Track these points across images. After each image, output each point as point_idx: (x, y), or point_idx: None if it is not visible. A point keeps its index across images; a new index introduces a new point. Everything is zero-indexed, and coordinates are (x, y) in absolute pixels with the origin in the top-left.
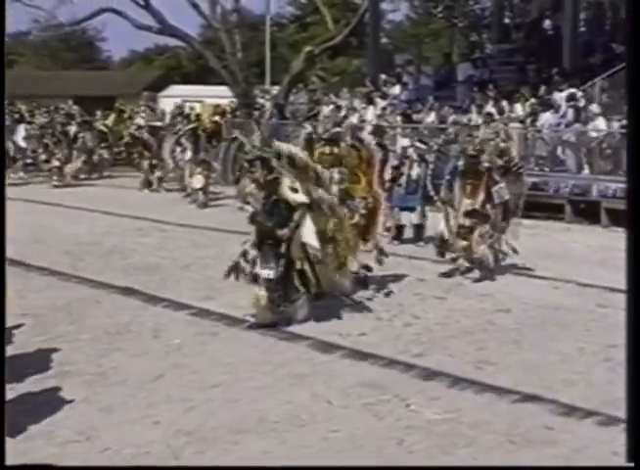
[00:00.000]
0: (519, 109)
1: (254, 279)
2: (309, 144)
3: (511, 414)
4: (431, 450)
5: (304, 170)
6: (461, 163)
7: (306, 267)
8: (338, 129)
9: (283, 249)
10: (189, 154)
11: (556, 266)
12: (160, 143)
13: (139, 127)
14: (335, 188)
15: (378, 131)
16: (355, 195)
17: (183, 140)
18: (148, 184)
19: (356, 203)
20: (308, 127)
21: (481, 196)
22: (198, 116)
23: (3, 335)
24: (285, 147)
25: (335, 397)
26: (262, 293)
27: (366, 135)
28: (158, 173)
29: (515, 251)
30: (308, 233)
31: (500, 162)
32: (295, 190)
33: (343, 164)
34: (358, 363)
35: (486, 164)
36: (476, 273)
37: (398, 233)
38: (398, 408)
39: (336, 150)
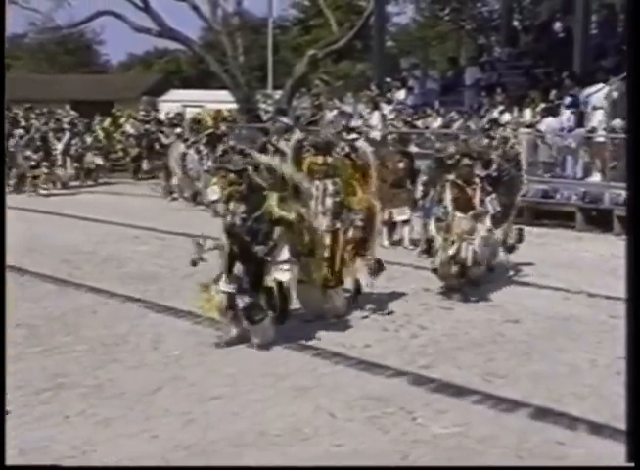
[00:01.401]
0: (528, 114)
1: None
2: (298, 153)
3: (520, 428)
4: (437, 465)
5: (283, 184)
6: (451, 176)
7: (274, 286)
8: (329, 136)
9: (253, 266)
10: (208, 162)
11: (566, 276)
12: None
13: (128, 136)
14: (329, 201)
15: (403, 139)
16: (352, 207)
17: (201, 147)
18: (169, 192)
19: (352, 216)
20: (298, 134)
21: (476, 204)
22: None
23: (4, 337)
24: (264, 159)
25: (338, 409)
26: (227, 307)
27: (361, 142)
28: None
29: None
30: (284, 252)
31: (488, 171)
32: (282, 206)
33: (337, 174)
34: (363, 375)
35: (482, 174)
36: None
37: (428, 247)
38: (404, 422)
39: (328, 159)
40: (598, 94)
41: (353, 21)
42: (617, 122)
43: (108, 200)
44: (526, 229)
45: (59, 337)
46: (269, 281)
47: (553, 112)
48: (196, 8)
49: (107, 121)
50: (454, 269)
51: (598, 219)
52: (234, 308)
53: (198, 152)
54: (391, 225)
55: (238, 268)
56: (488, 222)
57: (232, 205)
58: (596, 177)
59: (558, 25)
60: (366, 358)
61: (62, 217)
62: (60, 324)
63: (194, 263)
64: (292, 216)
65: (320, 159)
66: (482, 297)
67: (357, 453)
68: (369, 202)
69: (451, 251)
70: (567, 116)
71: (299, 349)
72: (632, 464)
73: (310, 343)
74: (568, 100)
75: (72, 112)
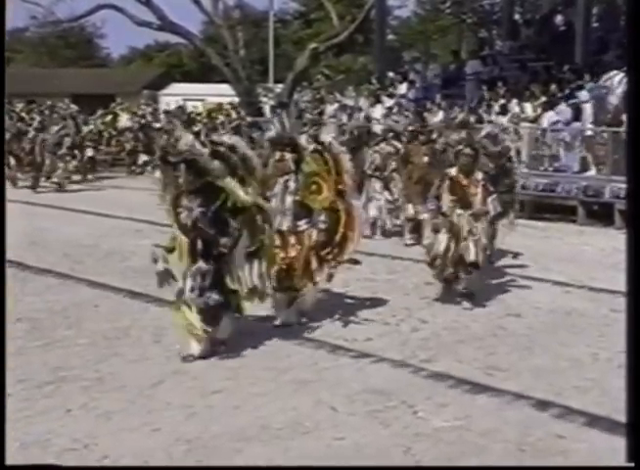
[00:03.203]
0: (528, 107)
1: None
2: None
3: (522, 422)
4: (439, 459)
5: (251, 175)
6: (453, 170)
7: (237, 287)
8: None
9: (216, 263)
10: None
11: (568, 270)
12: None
13: (124, 130)
14: (289, 199)
15: (426, 132)
16: (314, 207)
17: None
18: None
19: (315, 217)
20: (272, 130)
21: (477, 203)
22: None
23: (4, 335)
24: (243, 145)
25: (340, 403)
26: (196, 319)
27: (328, 137)
28: None
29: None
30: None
31: (491, 170)
32: (243, 190)
33: (300, 170)
34: (364, 369)
35: (483, 171)
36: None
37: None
38: (405, 415)
39: (288, 156)
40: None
41: (354, 14)
42: None
43: (109, 194)
44: (528, 223)
45: (61, 331)
46: (233, 283)
47: (553, 105)
48: (197, 1)
49: (109, 117)
50: (450, 269)
51: (599, 213)
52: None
53: None
54: (417, 223)
55: (199, 267)
56: (484, 224)
57: (185, 200)
58: (592, 171)
59: (559, 19)
60: (367, 352)
61: (63, 211)
62: (61, 318)
63: (161, 284)
64: (251, 198)
65: (278, 155)
66: (484, 290)
67: (359, 447)
68: (335, 202)
69: (442, 247)
70: (563, 109)
71: (300, 342)
72: (632, 464)
73: (311, 337)
74: (567, 93)
75: (73, 105)
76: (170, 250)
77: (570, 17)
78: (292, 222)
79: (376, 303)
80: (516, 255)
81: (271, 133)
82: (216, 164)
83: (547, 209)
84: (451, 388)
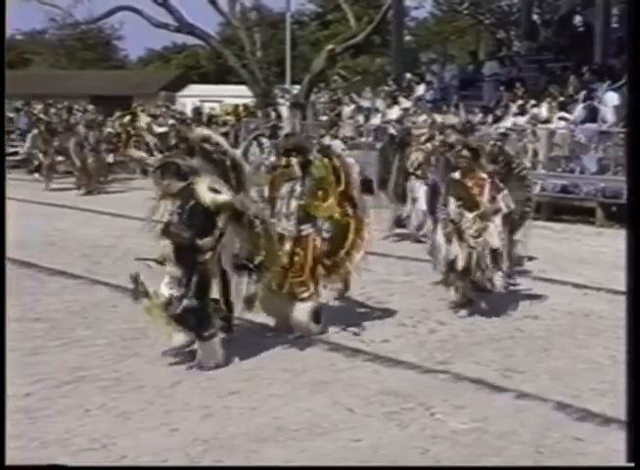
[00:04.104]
0: (546, 109)
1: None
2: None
3: (539, 424)
4: (456, 461)
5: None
6: (457, 173)
7: (221, 294)
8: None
9: (199, 269)
10: (270, 157)
11: (586, 272)
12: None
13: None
14: (294, 203)
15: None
16: (317, 214)
17: (263, 140)
18: None
19: (319, 223)
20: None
21: (485, 203)
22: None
23: (4, 335)
24: (233, 151)
25: (356, 405)
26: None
27: (335, 143)
28: None
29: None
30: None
31: (496, 167)
32: (215, 190)
33: (310, 174)
34: (381, 370)
35: (489, 168)
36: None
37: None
38: (423, 417)
39: (294, 160)
40: None
41: (372, 15)
42: None
43: (127, 195)
44: (546, 224)
45: (79, 331)
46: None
47: (571, 107)
48: (214, 3)
49: (127, 118)
50: (458, 279)
51: (618, 215)
52: (181, 315)
53: (259, 145)
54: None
55: (179, 272)
56: (499, 222)
57: (169, 203)
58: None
59: (578, 19)
60: (384, 354)
61: (81, 212)
62: (80, 318)
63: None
64: (222, 198)
65: (284, 160)
66: (501, 292)
67: (376, 449)
68: (344, 209)
69: (452, 256)
70: (580, 110)
71: (317, 344)
72: (632, 464)
73: (327, 338)
74: (583, 94)
75: (90, 106)
76: (160, 261)
77: (589, 17)
78: (295, 227)
79: (393, 304)
80: (530, 259)
81: (281, 141)
82: (195, 162)
83: (565, 210)
84: (468, 390)
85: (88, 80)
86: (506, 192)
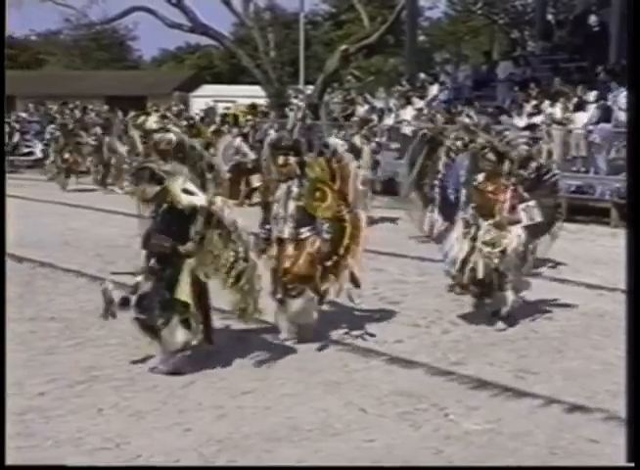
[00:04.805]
0: (561, 109)
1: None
2: (274, 154)
3: (553, 425)
4: (469, 462)
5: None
6: (480, 176)
7: (193, 312)
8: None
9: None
10: None
11: (601, 272)
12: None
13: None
14: (292, 204)
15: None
16: (318, 214)
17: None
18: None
19: (318, 224)
20: (272, 133)
21: (504, 212)
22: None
23: (4, 335)
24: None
25: (369, 405)
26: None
27: (334, 141)
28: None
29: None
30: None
31: (524, 173)
32: (189, 192)
33: (306, 174)
34: (394, 371)
35: (512, 179)
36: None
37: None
38: (436, 418)
39: (292, 159)
40: None
41: (385, 15)
42: None
43: None
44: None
45: (93, 330)
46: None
47: (585, 107)
48: (227, 3)
49: (141, 118)
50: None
51: None
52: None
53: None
54: None
55: (138, 283)
56: (519, 232)
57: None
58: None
59: (593, 19)
60: (397, 354)
61: (95, 211)
62: (94, 318)
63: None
64: (198, 200)
65: (282, 159)
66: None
67: (389, 449)
68: (340, 212)
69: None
70: (594, 110)
71: (330, 344)
72: (632, 464)
73: (341, 338)
74: (596, 94)
75: (105, 107)
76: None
77: (604, 17)
78: (293, 229)
79: (406, 305)
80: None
81: (278, 139)
82: (170, 167)
83: (580, 211)
84: (482, 391)
85: (102, 81)
86: (532, 203)
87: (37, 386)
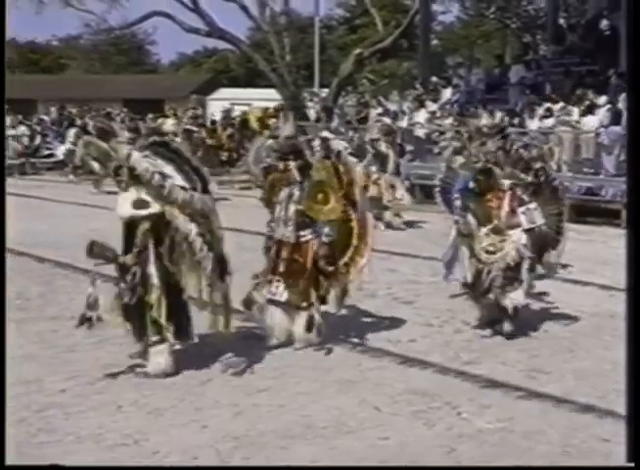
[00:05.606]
0: (572, 112)
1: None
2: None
3: (565, 425)
4: (482, 461)
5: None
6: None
7: (158, 312)
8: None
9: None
10: None
11: (611, 273)
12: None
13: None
14: (292, 208)
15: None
16: (318, 218)
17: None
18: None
19: (319, 228)
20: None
21: (502, 217)
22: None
23: (4, 335)
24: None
25: (383, 403)
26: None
27: (337, 144)
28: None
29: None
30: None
31: (528, 177)
32: (143, 202)
33: (309, 177)
34: (407, 370)
35: (507, 182)
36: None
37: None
38: (449, 416)
39: (292, 164)
40: None
41: (399, 20)
42: None
43: None
44: (571, 226)
45: (112, 329)
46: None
47: (596, 110)
48: (244, 8)
49: (159, 121)
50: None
51: None
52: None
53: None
54: None
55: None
56: (519, 236)
57: None
58: None
59: (604, 23)
60: (411, 353)
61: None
62: None
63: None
64: (144, 212)
65: (282, 164)
66: (527, 293)
67: (402, 447)
68: (346, 212)
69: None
70: (604, 113)
71: (344, 343)
72: (632, 464)
73: (355, 337)
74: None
75: (124, 109)
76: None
77: (615, 21)
78: (294, 232)
79: (419, 304)
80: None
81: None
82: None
83: (591, 212)
84: (494, 390)
85: (121, 84)
86: (533, 205)
87: (58, 383)
